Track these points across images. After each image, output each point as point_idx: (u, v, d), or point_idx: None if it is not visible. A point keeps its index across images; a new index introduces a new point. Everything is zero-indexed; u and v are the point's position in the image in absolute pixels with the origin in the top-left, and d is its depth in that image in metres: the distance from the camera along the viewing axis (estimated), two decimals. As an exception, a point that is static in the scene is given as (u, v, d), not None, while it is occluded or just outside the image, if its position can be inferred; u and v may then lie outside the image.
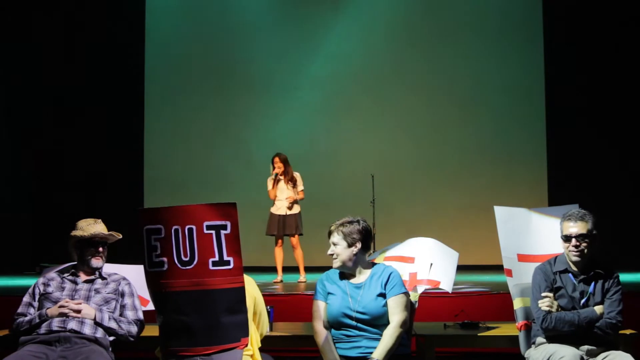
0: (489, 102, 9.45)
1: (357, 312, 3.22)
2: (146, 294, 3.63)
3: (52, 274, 3.66)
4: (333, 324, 3.29)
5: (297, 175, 7.21)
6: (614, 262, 3.95)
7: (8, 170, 9.19)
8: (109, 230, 3.70)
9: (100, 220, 3.69)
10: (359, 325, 3.23)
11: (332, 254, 3.33)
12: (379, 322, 3.22)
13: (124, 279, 3.71)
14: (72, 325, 3.37)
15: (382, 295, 3.25)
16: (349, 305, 3.25)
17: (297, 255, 7.20)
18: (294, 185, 7.15)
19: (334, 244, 3.32)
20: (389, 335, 3.17)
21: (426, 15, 9.62)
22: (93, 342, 3.37)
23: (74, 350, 3.30)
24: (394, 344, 3.15)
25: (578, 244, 3.31)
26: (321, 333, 3.27)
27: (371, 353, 3.16)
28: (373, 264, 3.40)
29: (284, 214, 7.11)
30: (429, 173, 9.43)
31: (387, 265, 3.42)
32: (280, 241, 7.19)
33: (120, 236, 3.69)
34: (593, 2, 9.04)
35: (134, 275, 3.75)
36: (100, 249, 3.62)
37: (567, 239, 3.34)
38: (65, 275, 3.63)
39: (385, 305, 3.24)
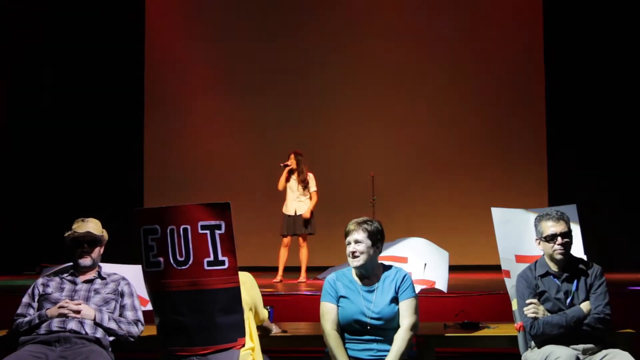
0: (489, 102, 9.45)
1: (372, 317, 3.17)
2: (146, 294, 3.65)
3: (52, 274, 3.66)
4: (346, 328, 3.23)
5: (310, 176, 7.20)
6: (608, 261, 3.96)
7: (8, 171, 9.19)
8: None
9: (91, 219, 3.68)
10: (373, 330, 3.18)
11: (354, 252, 3.20)
12: (391, 325, 3.19)
13: (124, 279, 3.71)
14: (71, 325, 3.38)
15: (396, 299, 3.21)
16: (363, 311, 3.19)
17: (302, 255, 7.19)
18: (305, 187, 7.15)
19: (357, 242, 3.20)
20: (401, 339, 3.13)
21: (426, 16, 9.62)
22: (93, 342, 3.38)
23: (74, 350, 3.30)
24: (406, 348, 3.13)
25: (563, 242, 3.33)
26: (333, 336, 3.19)
27: (382, 356, 3.13)
28: (383, 265, 3.34)
29: (294, 214, 7.12)
30: (429, 173, 9.43)
31: (398, 267, 3.36)
32: (287, 241, 7.18)
33: (104, 233, 3.68)
34: (594, 2, 9.04)
35: (134, 275, 3.74)
36: (85, 247, 3.61)
37: (552, 238, 3.35)
38: (65, 275, 3.63)
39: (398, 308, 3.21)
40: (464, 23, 9.55)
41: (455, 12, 9.58)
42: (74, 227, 3.63)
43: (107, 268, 3.79)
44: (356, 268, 3.24)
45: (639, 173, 8.78)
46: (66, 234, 3.64)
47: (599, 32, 9.00)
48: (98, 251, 3.68)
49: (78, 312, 3.42)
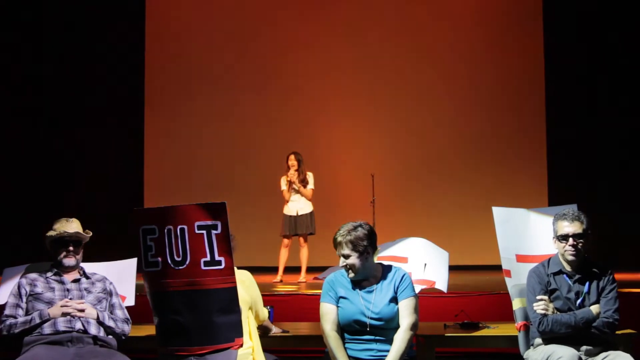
0: (489, 101, 9.44)
1: (371, 318, 3.17)
2: (124, 293, 3.77)
3: (33, 274, 3.61)
4: (345, 328, 3.23)
5: (309, 175, 7.20)
6: (609, 261, 3.96)
7: (8, 170, 9.18)
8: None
9: (74, 219, 3.67)
10: (372, 330, 3.18)
11: (346, 267, 3.21)
12: (390, 325, 3.19)
13: (106, 278, 3.72)
14: (78, 325, 3.39)
15: (395, 299, 3.21)
16: (363, 311, 3.19)
17: (302, 254, 7.18)
18: (305, 187, 7.14)
19: (345, 256, 3.19)
20: (400, 339, 3.13)
21: (425, 15, 9.61)
22: (102, 341, 3.42)
23: (89, 350, 3.33)
24: (406, 348, 3.12)
25: (575, 243, 3.32)
26: (332, 336, 3.19)
27: (382, 356, 3.13)
28: (382, 265, 3.34)
29: (295, 214, 7.11)
30: (429, 173, 9.42)
31: (397, 267, 3.35)
32: (288, 242, 7.17)
33: (90, 234, 3.68)
34: (594, 1, 9.04)
35: (108, 273, 3.78)
36: (71, 247, 3.59)
37: (563, 238, 3.35)
38: (49, 275, 3.60)
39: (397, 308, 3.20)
40: (464, 23, 9.54)
41: (456, 13, 9.57)
42: (58, 226, 3.60)
43: (86, 267, 3.78)
44: (352, 279, 3.25)
45: (639, 173, 8.77)
46: (50, 234, 3.60)
47: (599, 31, 8.99)
48: (81, 251, 3.67)
49: (82, 311, 3.43)
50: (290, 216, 7.12)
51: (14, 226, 8.93)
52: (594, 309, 3.28)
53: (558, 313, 3.29)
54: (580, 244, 3.33)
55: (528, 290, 3.41)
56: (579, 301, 3.31)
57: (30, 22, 9.43)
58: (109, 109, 9.57)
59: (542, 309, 3.29)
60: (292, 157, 7.16)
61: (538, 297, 3.33)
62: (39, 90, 9.53)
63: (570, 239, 3.32)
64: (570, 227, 3.33)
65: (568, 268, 3.38)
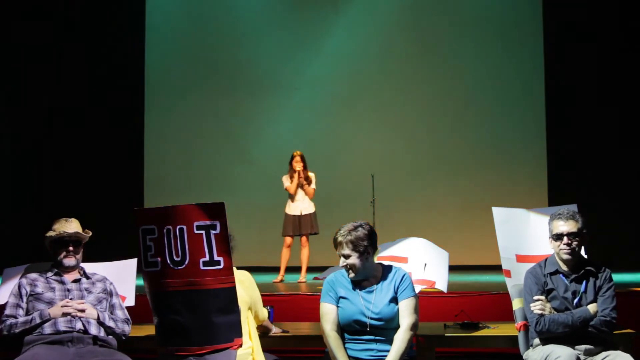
0: (489, 102, 9.43)
1: (371, 318, 3.17)
2: (123, 293, 3.75)
3: (34, 274, 3.61)
4: (346, 328, 3.23)
5: (311, 175, 7.22)
6: (608, 261, 3.96)
7: (9, 171, 9.18)
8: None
9: (73, 219, 3.67)
10: (372, 330, 3.18)
11: (346, 267, 3.21)
12: (390, 325, 3.19)
13: (106, 278, 3.73)
14: (79, 325, 3.40)
15: (395, 300, 3.21)
16: (363, 311, 3.18)
17: (303, 254, 7.17)
18: (309, 185, 7.16)
19: (345, 256, 3.20)
20: (400, 339, 3.13)
21: (426, 17, 9.61)
22: (102, 342, 3.42)
23: (89, 349, 3.34)
24: (406, 348, 3.12)
25: (569, 242, 3.32)
26: (333, 336, 3.19)
27: (382, 356, 3.13)
28: (382, 265, 3.34)
29: (299, 214, 7.12)
30: (429, 173, 9.42)
31: (397, 267, 3.35)
32: (290, 241, 7.18)
33: (90, 234, 3.68)
34: (594, 2, 9.04)
35: (108, 273, 3.79)
36: (71, 247, 3.59)
37: (558, 237, 3.35)
38: (49, 275, 3.60)
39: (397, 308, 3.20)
40: (464, 22, 9.54)
41: (454, 12, 9.57)
42: (57, 227, 3.60)
43: (86, 267, 3.78)
44: (353, 279, 3.24)
45: (639, 173, 8.77)
46: (49, 234, 3.60)
47: (599, 31, 8.99)
48: (81, 251, 3.67)
49: (82, 311, 3.43)
50: (294, 216, 7.13)
51: (14, 226, 8.93)
52: (591, 308, 3.28)
53: (555, 313, 3.30)
54: (575, 243, 3.33)
55: (525, 290, 3.42)
56: (576, 301, 3.31)
57: (31, 22, 9.42)
58: (109, 108, 9.56)
59: (539, 309, 3.29)
60: (297, 157, 7.19)
61: (535, 298, 3.33)
62: (38, 89, 9.52)
63: (565, 238, 3.33)
64: (565, 225, 3.34)
65: (564, 268, 3.39)
